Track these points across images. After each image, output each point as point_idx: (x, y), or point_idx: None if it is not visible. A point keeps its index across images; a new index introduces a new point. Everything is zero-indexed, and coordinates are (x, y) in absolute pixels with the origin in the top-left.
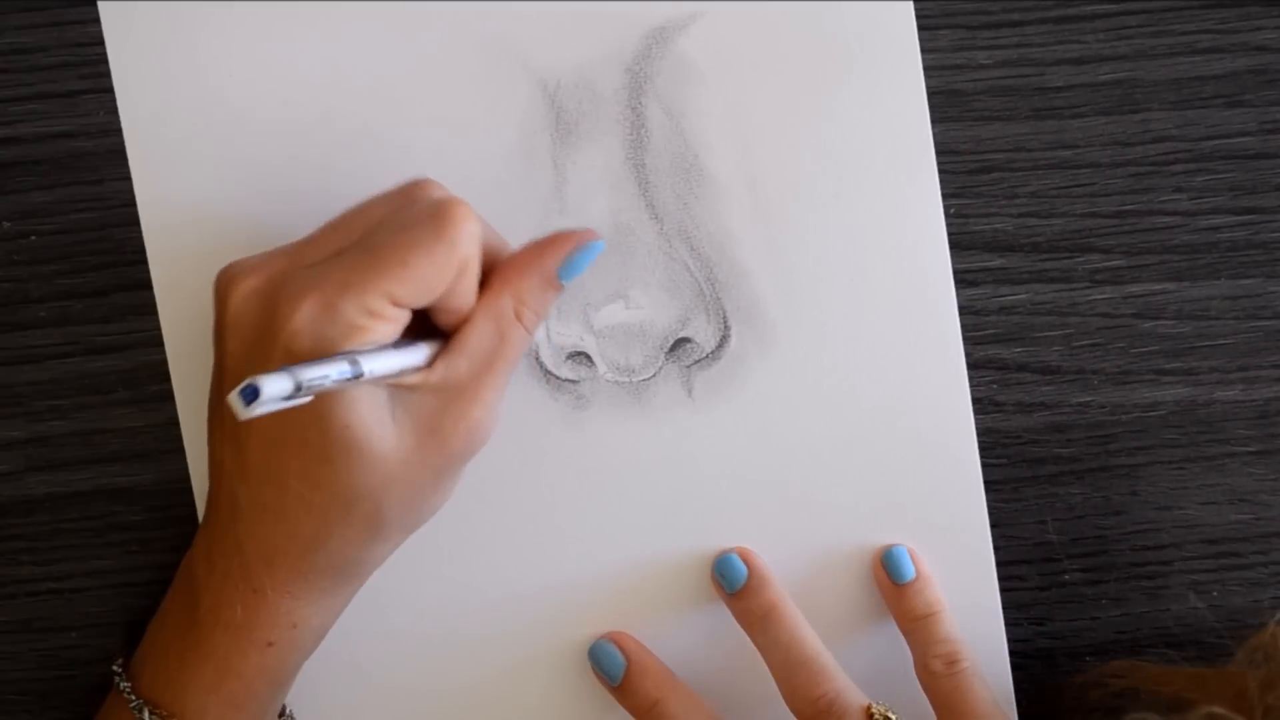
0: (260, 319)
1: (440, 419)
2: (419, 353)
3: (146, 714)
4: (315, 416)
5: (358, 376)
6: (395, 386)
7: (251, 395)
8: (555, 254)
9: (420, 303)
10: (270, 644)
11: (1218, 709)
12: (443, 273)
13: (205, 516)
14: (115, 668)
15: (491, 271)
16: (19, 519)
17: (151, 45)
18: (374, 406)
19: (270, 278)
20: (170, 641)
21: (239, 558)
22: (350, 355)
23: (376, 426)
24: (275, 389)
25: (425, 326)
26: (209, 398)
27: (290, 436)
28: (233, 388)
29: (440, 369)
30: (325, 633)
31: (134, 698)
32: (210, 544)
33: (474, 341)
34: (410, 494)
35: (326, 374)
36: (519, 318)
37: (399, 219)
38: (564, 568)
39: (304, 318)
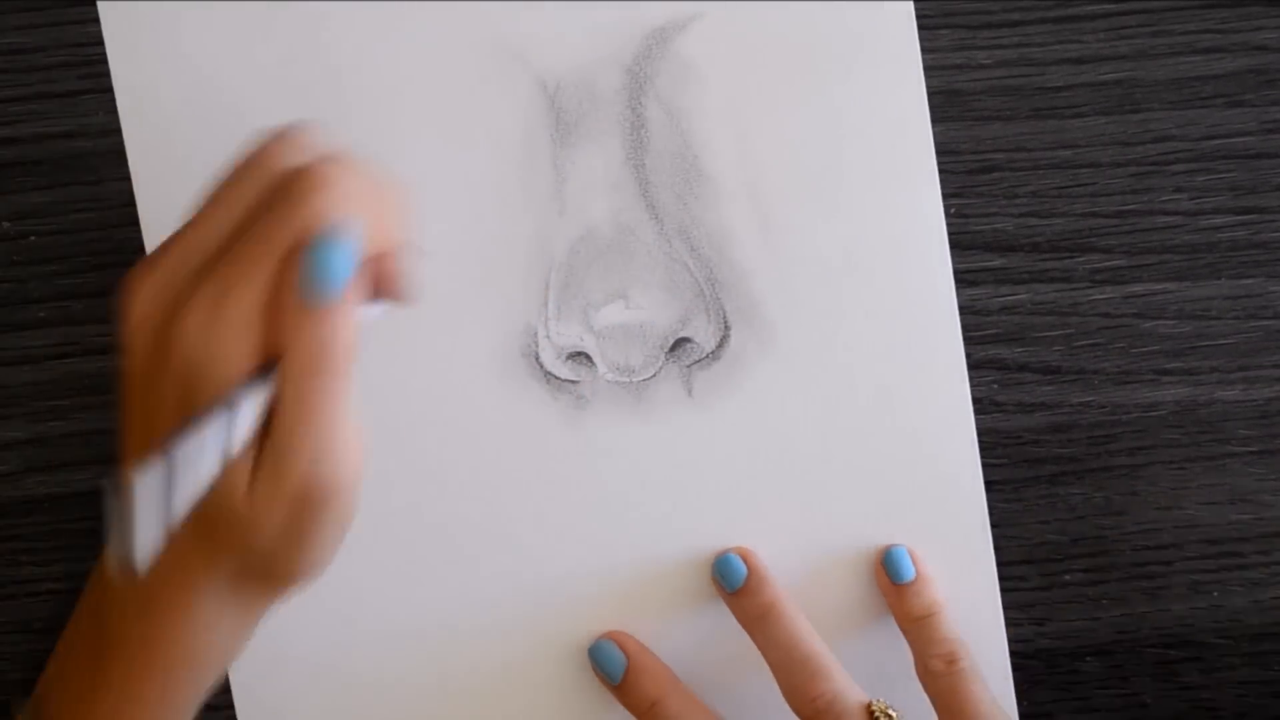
0: (154, 338)
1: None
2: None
3: None
4: None
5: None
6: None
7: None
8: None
9: None
10: (168, 674)
11: None
12: None
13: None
14: (12, 699)
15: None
16: (19, 519)
17: (151, 45)
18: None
19: (159, 289)
20: (74, 670)
21: (136, 583)
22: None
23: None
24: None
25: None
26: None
27: None
28: (138, 410)
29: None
30: (228, 663)
31: None
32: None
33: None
34: (276, 537)
35: (198, 476)
36: (313, 374)
37: (267, 215)
38: (564, 567)
39: (192, 333)
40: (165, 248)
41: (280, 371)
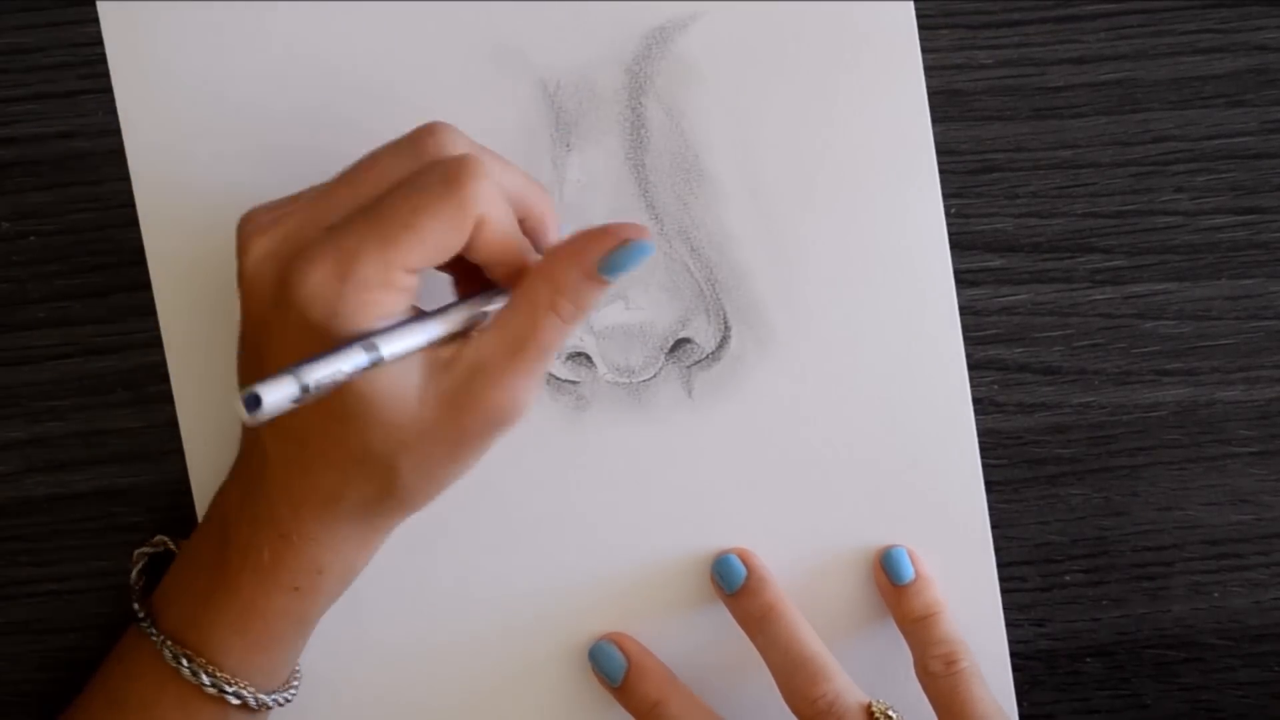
0: (275, 284)
1: (462, 395)
2: (438, 327)
3: (167, 652)
4: None
5: (376, 363)
6: (430, 356)
7: (254, 404)
8: (596, 248)
9: (436, 263)
10: (296, 589)
11: None
12: (453, 234)
13: (237, 461)
14: (136, 604)
15: (539, 243)
16: (19, 520)
17: (151, 45)
18: (397, 376)
19: (285, 238)
20: (197, 581)
21: (267, 504)
22: (367, 340)
23: (396, 397)
24: (278, 396)
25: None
26: (238, 348)
27: None
28: (252, 350)
29: (472, 346)
30: (351, 579)
31: (156, 633)
32: (243, 488)
33: (507, 323)
34: (425, 463)
35: (338, 369)
36: (553, 308)
37: (412, 182)
38: (564, 568)
39: (315, 288)
40: (291, 200)
41: (501, 327)
